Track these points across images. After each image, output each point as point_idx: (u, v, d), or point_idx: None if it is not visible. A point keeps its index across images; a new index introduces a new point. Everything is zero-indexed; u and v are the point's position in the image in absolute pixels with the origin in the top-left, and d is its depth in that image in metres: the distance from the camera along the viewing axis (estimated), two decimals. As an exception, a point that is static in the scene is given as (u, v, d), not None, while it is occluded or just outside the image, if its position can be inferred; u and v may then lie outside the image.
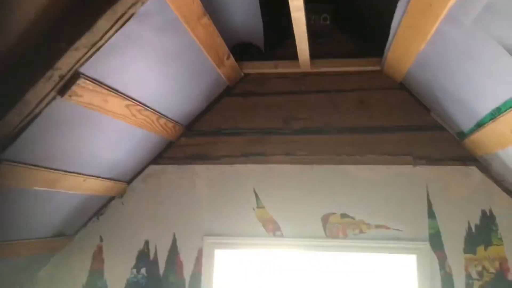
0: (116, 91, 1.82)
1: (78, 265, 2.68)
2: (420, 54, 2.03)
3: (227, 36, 2.36)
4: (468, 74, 1.81)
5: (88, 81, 1.63)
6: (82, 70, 1.59)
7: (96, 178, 2.30)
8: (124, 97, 1.89)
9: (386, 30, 2.10)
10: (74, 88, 1.59)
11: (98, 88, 1.70)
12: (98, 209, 2.69)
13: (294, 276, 2.62)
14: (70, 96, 1.61)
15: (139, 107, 2.04)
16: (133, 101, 1.97)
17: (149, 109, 2.13)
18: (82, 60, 1.55)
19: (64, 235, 2.61)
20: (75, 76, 1.58)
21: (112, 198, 2.71)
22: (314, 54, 2.62)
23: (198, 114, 2.72)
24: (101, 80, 1.71)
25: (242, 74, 2.70)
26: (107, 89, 1.76)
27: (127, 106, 1.95)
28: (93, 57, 1.56)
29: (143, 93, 2.02)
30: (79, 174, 2.14)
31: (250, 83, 2.72)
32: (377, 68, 2.59)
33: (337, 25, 2.71)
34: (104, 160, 2.25)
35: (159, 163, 2.73)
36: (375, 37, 2.54)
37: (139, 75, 1.90)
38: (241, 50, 2.68)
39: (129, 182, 2.72)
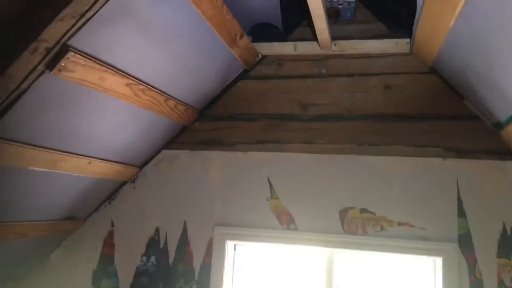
0: (112, 67, 1.72)
1: (89, 249, 2.64)
2: (450, 31, 1.80)
3: (243, 16, 2.22)
4: (502, 52, 1.58)
5: (78, 55, 1.54)
6: (71, 43, 1.49)
7: (102, 161, 2.23)
8: (123, 75, 1.79)
9: (415, 8, 1.89)
10: (63, 62, 1.50)
11: (90, 63, 1.61)
12: (110, 193, 2.63)
13: (307, 273, 2.46)
14: (59, 70, 1.52)
15: (142, 87, 1.94)
16: (134, 79, 1.87)
17: (154, 89, 2.03)
18: (70, 32, 1.46)
19: (76, 218, 2.58)
20: (64, 49, 1.49)
21: (124, 183, 2.65)
22: (338, 35, 2.44)
23: (213, 98, 2.60)
24: (94, 55, 1.61)
25: (260, 56, 2.55)
26: (101, 65, 1.66)
27: (128, 85, 1.85)
28: (83, 29, 1.47)
29: (145, 72, 1.92)
30: (83, 156, 2.07)
31: (268, 65, 2.57)
32: (405, 50, 2.36)
33: (364, 4, 2.49)
34: (109, 143, 2.17)
35: (171, 148, 2.64)
36: (404, 17, 2.32)
37: (139, 52, 1.79)
38: (260, 31, 2.54)
39: (141, 166, 2.64)
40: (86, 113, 1.86)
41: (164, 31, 1.79)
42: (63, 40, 1.46)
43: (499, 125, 2.11)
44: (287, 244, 2.44)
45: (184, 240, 2.54)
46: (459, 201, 2.23)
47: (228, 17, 2.01)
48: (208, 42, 2.07)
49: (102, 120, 1.97)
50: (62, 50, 1.48)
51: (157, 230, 2.58)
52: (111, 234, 2.63)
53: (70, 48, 1.50)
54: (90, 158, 2.13)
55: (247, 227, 2.46)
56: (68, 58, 1.50)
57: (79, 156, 2.04)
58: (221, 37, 2.07)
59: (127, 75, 1.81)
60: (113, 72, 1.73)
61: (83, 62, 1.58)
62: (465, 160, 2.25)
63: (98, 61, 1.64)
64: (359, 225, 2.34)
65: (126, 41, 1.69)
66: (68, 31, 1.44)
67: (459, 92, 2.28)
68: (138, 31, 1.68)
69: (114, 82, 1.77)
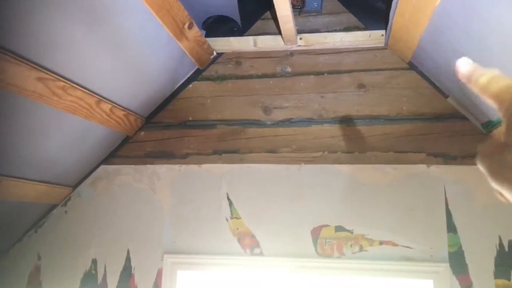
0: (14, 54, 1.31)
1: (11, 289, 2.17)
2: (435, 12, 1.51)
3: (193, 7, 1.88)
4: (503, 32, 1.29)
5: (-42, 33, 1.13)
6: None
7: (19, 179, 1.79)
8: (32, 66, 1.39)
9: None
10: None
11: (-20, 47, 1.20)
12: (36, 219, 2.18)
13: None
14: None
15: (61, 83, 1.53)
16: (49, 73, 1.46)
17: (79, 87, 1.63)
18: None
19: (-8, 252, 2.10)
20: None
21: (53, 206, 2.20)
22: (303, 28, 2.13)
23: (161, 103, 2.22)
24: (-15, 35, 1.21)
25: (215, 53, 2.20)
26: (-2, 51, 1.25)
27: (40, 79, 1.45)
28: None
29: (65, 64, 1.51)
30: (-12, 173, 1.63)
31: (224, 64, 2.22)
32: (380, 44, 2.07)
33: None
34: (26, 155, 1.74)
35: (112, 163, 2.22)
36: (378, 6, 2.05)
37: (52, 35, 1.39)
38: (214, 25, 2.20)
39: (75, 186, 2.21)
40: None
41: (88, 7, 1.40)
42: None
43: (490, 125, 1.83)
44: (251, 271, 2.06)
45: (127, 272, 2.11)
46: (448, 214, 1.93)
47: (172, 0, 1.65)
48: (149, 29, 1.70)
49: (10, 126, 1.55)
50: None
51: (94, 262, 2.15)
52: (37, 270, 2.17)
53: None
54: (1, 177, 1.69)
55: (203, 254, 2.07)
56: None
57: (-18, 173, 1.61)
58: (164, 24, 1.70)
59: (37, 67, 1.41)
60: (15, 61, 1.32)
61: (-33, 44, 1.17)
62: (452, 166, 1.96)
63: (-8, 45, 1.24)
64: (334, 246, 2.00)
65: (32, 19, 1.29)
66: None
67: (442, 89, 2.00)
68: (51, 7, 1.29)
69: (19, 74, 1.36)
